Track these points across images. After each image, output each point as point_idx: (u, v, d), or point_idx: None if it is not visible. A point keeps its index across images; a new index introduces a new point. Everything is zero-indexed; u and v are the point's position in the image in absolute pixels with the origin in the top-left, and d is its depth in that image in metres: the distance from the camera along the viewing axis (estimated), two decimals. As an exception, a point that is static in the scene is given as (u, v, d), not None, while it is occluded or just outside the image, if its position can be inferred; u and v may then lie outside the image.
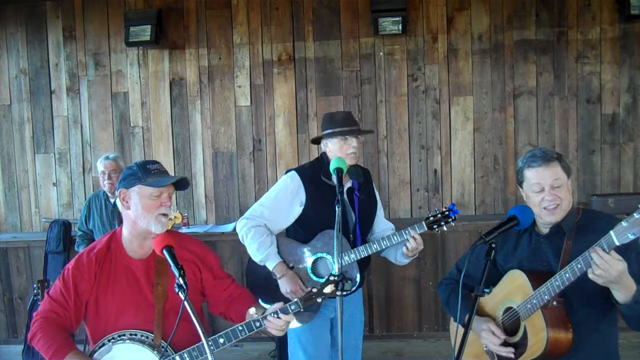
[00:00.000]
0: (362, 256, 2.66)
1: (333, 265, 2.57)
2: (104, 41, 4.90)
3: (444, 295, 2.41)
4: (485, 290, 1.82)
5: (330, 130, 2.71)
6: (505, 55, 4.64)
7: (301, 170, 2.79)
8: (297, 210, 2.72)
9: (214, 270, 2.24)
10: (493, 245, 1.84)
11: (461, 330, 1.88)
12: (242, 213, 4.81)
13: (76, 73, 4.93)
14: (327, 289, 1.95)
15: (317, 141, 2.88)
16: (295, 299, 1.98)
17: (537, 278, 1.99)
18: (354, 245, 2.71)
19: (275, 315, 1.96)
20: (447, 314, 2.42)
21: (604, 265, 1.73)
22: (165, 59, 4.87)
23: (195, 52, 4.84)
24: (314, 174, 2.74)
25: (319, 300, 1.96)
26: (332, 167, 2.48)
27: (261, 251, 2.66)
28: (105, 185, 4.11)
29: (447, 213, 2.67)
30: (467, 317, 1.84)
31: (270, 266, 2.68)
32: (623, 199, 4.35)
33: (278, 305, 1.99)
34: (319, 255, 2.70)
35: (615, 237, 1.72)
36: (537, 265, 2.08)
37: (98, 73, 4.92)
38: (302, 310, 1.97)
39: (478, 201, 4.72)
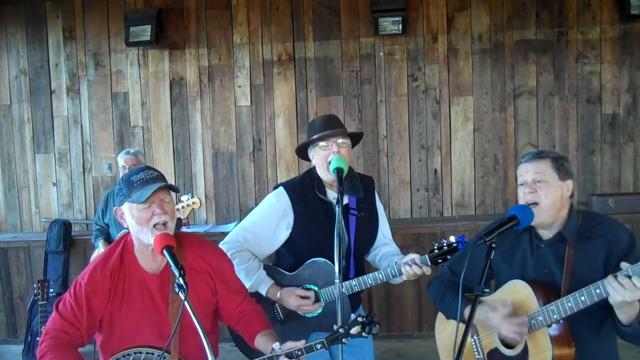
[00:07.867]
0: (355, 291, 2.34)
1: (322, 297, 2.38)
2: (104, 41, 4.90)
3: (437, 292, 2.33)
4: (485, 289, 1.80)
5: (308, 140, 2.37)
6: (505, 55, 4.64)
7: (290, 186, 2.42)
8: (284, 234, 2.38)
9: (230, 284, 2.14)
10: (493, 245, 1.80)
11: (461, 330, 1.86)
12: (242, 213, 4.89)
13: (76, 73, 4.93)
14: (354, 330, 1.79)
15: (302, 153, 2.48)
16: (322, 339, 1.84)
17: (543, 292, 1.93)
18: (346, 272, 2.39)
19: (300, 353, 1.85)
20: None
21: (628, 293, 1.67)
22: (165, 59, 4.87)
23: (195, 52, 4.84)
24: (305, 189, 2.39)
25: (344, 341, 1.82)
26: (332, 167, 2.24)
27: (250, 277, 2.36)
28: None
29: (455, 246, 2.33)
30: (465, 312, 1.79)
31: (263, 291, 2.38)
32: (623, 199, 4.37)
33: (301, 344, 1.88)
34: (306, 287, 2.39)
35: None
36: (539, 273, 2.01)
37: (98, 73, 4.92)
38: (327, 349, 1.85)
39: (478, 201, 4.72)
